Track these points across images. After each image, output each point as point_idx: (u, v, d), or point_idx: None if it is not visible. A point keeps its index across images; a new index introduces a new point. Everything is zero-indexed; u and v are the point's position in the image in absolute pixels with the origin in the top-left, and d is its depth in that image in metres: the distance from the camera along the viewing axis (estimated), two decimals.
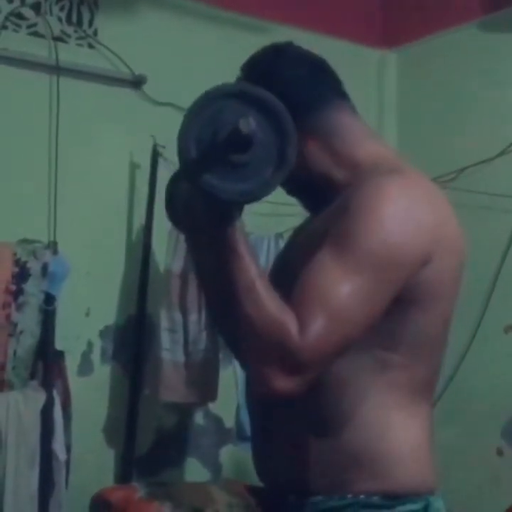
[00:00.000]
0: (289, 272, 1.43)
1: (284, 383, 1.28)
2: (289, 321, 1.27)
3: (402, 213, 1.34)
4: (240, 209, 1.37)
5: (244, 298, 1.30)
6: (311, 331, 1.27)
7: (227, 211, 1.33)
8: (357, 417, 1.40)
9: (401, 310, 1.37)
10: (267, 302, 1.30)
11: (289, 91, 1.48)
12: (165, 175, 3.24)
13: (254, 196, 1.30)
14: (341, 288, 1.30)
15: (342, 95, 1.56)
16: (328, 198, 1.47)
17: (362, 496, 1.38)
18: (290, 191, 1.59)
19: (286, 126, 1.29)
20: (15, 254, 2.85)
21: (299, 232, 1.65)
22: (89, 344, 3.23)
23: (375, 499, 1.38)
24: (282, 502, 1.46)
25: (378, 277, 1.32)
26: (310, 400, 1.38)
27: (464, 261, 1.47)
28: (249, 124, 1.25)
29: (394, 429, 1.42)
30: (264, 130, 1.28)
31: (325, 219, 1.44)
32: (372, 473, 1.40)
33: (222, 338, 1.42)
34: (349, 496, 1.39)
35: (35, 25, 3.12)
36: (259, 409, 1.53)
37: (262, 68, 1.54)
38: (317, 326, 1.27)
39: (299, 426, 1.42)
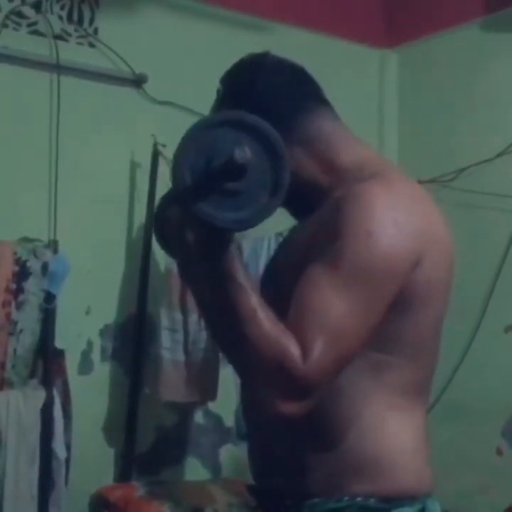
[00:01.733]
0: (277, 281, 1.45)
1: (289, 407, 1.28)
2: (291, 346, 1.27)
3: (388, 221, 1.33)
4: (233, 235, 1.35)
5: (246, 326, 1.29)
6: (313, 355, 1.27)
7: (222, 240, 1.32)
8: (353, 420, 1.40)
9: (394, 312, 1.36)
10: (269, 329, 1.29)
11: (270, 101, 1.49)
12: (165, 173, 3.25)
13: (250, 224, 1.29)
14: (337, 306, 1.29)
15: (323, 101, 1.56)
16: (315, 205, 1.47)
17: (359, 499, 1.38)
18: None
19: (280, 152, 1.29)
20: (15, 253, 2.85)
21: (288, 239, 1.65)
22: (90, 343, 3.23)
23: (372, 502, 1.38)
24: (279, 504, 1.46)
25: (373, 289, 1.32)
26: None
27: (454, 260, 1.46)
28: (245, 153, 1.25)
29: (390, 431, 1.42)
30: (258, 157, 1.28)
31: (312, 229, 1.43)
32: (369, 476, 1.39)
33: (226, 359, 1.41)
34: (346, 498, 1.38)
35: (35, 23, 3.12)
36: (254, 413, 1.52)
37: (241, 80, 1.55)
38: (318, 349, 1.27)
39: (296, 429, 1.41)
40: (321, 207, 1.44)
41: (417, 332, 1.42)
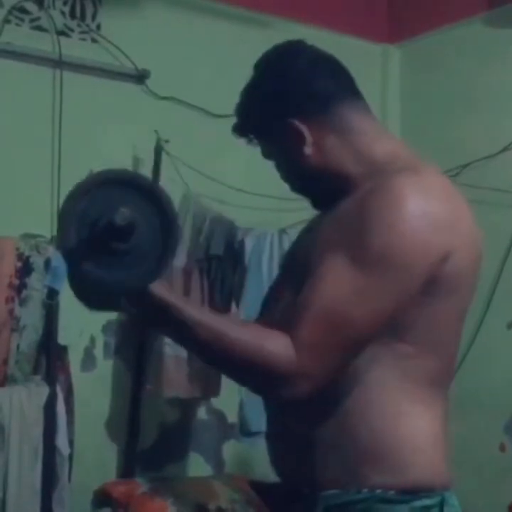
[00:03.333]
0: (298, 272, 1.44)
1: (290, 392, 1.33)
2: (272, 344, 1.32)
3: (417, 213, 1.35)
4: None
5: (220, 348, 1.36)
6: (303, 340, 1.31)
7: (155, 306, 1.35)
8: (372, 410, 1.40)
9: (418, 303, 1.37)
10: (242, 340, 1.34)
11: (308, 87, 1.50)
12: (168, 169, 3.25)
13: (137, 286, 1.29)
14: (346, 293, 1.33)
15: (357, 94, 1.56)
16: (341, 195, 1.47)
17: (378, 491, 1.38)
18: (299, 187, 1.59)
19: (170, 213, 1.30)
20: (18, 248, 2.85)
21: (309, 229, 1.64)
22: (92, 339, 3.23)
23: (392, 494, 1.38)
24: (296, 495, 1.45)
25: (391, 279, 1.33)
26: (325, 392, 1.38)
27: (481, 254, 1.47)
28: (125, 216, 1.24)
29: (412, 422, 1.42)
30: (148, 217, 1.28)
31: (338, 217, 1.44)
32: (388, 467, 1.39)
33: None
34: (365, 490, 1.38)
35: (38, 19, 3.12)
36: (273, 403, 1.53)
37: (277, 65, 1.54)
38: (310, 337, 1.32)
39: (314, 419, 1.42)
40: (348, 197, 1.44)
41: (442, 324, 1.43)
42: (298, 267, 1.49)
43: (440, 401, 1.47)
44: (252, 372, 1.36)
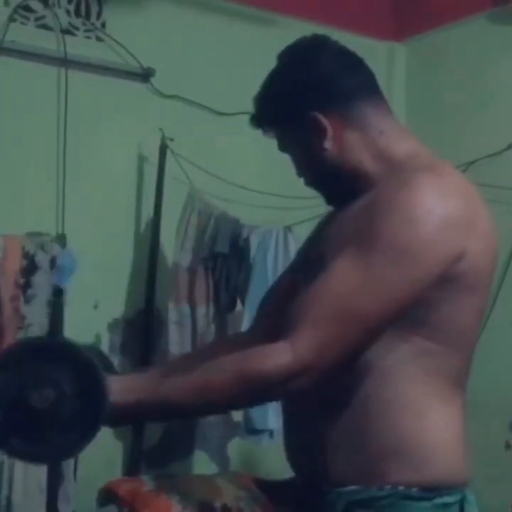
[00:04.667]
0: (312, 268, 1.44)
1: (295, 387, 1.33)
2: (254, 362, 1.33)
3: (432, 210, 1.35)
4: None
5: (208, 401, 1.36)
6: (302, 332, 1.32)
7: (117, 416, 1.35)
8: (396, 406, 1.41)
9: (438, 301, 1.38)
10: (225, 380, 1.34)
11: (332, 81, 1.50)
12: (173, 167, 3.25)
13: (62, 457, 1.31)
14: (350, 281, 1.33)
15: (378, 92, 1.56)
16: (358, 191, 1.47)
17: (401, 488, 1.38)
18: (315, 182, 1.58)
19: (99, 383, 1.28)
20: (23, 247, 2.85)
21: (322, 227, 1.64)
22: (98, 337, 3.23)
23: (414, 491, 1.38)
24: (314, 492, 1.45)
25: (401, 272, 1.33)
26: (347, 388, 1.40)
27: (498, 253, 1.49)
28: (46, 399, 1.24)
29: (434, 419, 1.42)
30: (69, 384, 1.27)
31: (354, 214, 1.44)
32: (410, 464, 1.40)
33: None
34: (388, 487, 1.38)
35: (43, 17, 3.12)
36: (291, 399, 1.52)
37: (302, 57, 1.53)
38: (308, 333, 1.32)
39: (333, 414, 1.42)
40: (364, 194, 1.45)
41: (462, 321, 1.43)
42: (310, 265, 1.49)
43: (459, 398, 1.48)
44: (252, 396, 1.37)
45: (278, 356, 1.31)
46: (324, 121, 1.48)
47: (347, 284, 1.33)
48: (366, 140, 1.49)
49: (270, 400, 1.37)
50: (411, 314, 1.37)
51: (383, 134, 1.50)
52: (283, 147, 1.58)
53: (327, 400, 1.38)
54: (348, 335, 1.34)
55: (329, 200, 1.60)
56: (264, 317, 1.66)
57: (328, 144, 1.48)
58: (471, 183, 1.48)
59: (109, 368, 1.47)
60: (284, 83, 1.52)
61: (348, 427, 1.42)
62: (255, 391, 1.35)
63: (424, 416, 1.42)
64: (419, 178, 1.38)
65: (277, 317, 1.49)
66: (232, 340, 1.71)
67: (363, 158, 1.49)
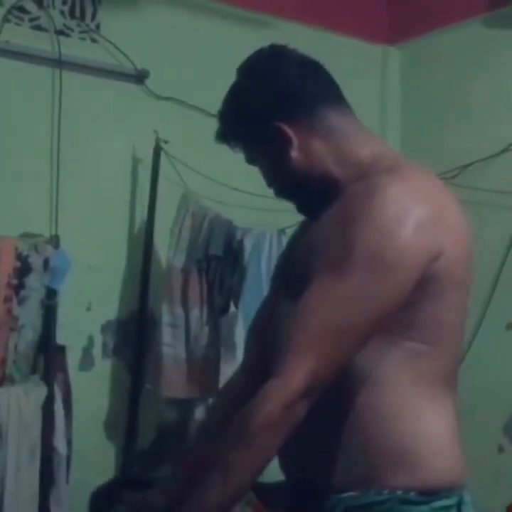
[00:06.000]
0: (293, 286, 1.45)
1: (301, 409, 1.33)
2: (253, 417, 1.33)
3: (401, 214, 1.35)
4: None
5: (230, 476, 1.36)
6: (291, 369, 1.32)
7: None
8: (390, 412, 1.41)
9: (421, 301, 1.38)
10: (237, 451, 1.34)
11: (294, 91, 1.50)
12: (167, 169, 3.25)
13: None
14: (336, 302, 1.34)
15: (341, 97, 1.57)
16: (327, 198, 1.48)
17: (399, 492, 1.38)
18: (285, 192, 1.59)
19: None
20: (16, 248, 2.85)
21: (297, 239, 1.64)
22: (91, 339, 3.22)
23: (412, 495, 1.38)
24: (312, 498, 1.45)
25: (381, 280, 1.34)
26: (343, 397, 1.40)
27: (472, 248, 1.48)
28: None
29: (427, 421, 1.43)
30: None
31: (326, 228, 1.45)
32: (407, 468, 1.40)
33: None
34: (385, 491, 1.38)
35: (37, 18, 3.12)
36: None
37: (263, 68, 1.54)
38: (296, 359, 1.32)
39: (330, 421, 1.43)
40: (334, 203, 1.45)
41: (447, 319, 1.44)
42: (290, 279, 1.51)
43: (450, 398, 1.49)
44: (272, 445, 1.36)
45: (275, 399, 1.32)
46: (288, 131, 1.49)
47: (329, 302, 1.34)
48: (332, 146, 1.50)
49: (290, 430, 1.36)
50: (398, 318, 1.38)
51: (347, 138, 1.51)
52: (250, 160, 1.60)
53: (323, 409, 1.38)
54: (339, 350, 1.35)
55: (300, 209, 1.61)
56: (255, 346, 1.68)
57: (294, 154, 1.49)
58: (437, 179, 1.49)
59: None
60: (246, 96, 1.53)
61: (345, 434, 1.42)
62: (270, 441, 1.35)
63: (419, 420, 1.42)
64: (384, 183, 1.38)
65: (268, 344, 1.52)
66: (232, 388, 1.70)
67: (330, 165, 1.50)
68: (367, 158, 1.48)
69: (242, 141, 1.57)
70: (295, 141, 1.49)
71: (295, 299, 1.39)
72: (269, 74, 1.51)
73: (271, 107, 1.50)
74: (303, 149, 1.49)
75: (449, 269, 1.39)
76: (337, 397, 1.39)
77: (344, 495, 1.40)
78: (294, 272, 1.50)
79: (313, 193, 1.53)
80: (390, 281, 1.34)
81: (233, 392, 1.67)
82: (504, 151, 3.41)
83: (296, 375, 1.31)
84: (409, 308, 1.37)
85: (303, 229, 1.63)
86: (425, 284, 1.37)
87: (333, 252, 1.36)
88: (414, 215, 1.35)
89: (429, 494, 1.39)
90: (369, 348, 1.38)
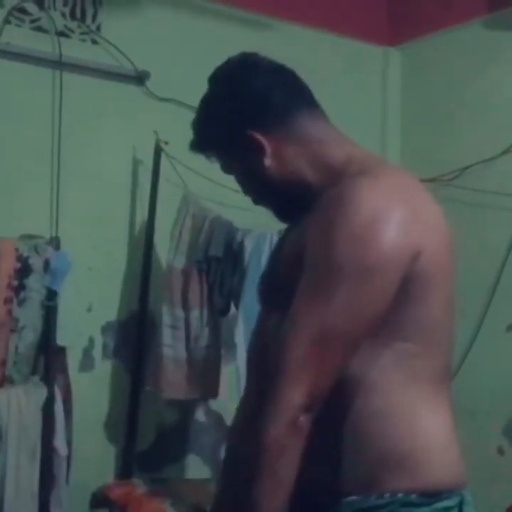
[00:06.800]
0: (279, 291, 1.47)
1: (306, 422, 1.34)
2: (265, 447, 1.33)
3: (375, 218, 1.34)
4: None
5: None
6: (288, 392, 1.32)
7: None
8: (386, 416, 1.41)
9: (406, 301, 1.38)
10: (258, 473, 1.35)
11: (265, 100, 1.51)
12: (167, 170, 3.24)
13: None
14: (318, 315, 1.33)
15: (313, 102, 1.57)
16: (304, 204, 1.48)
17: (400, 495, 1.38)
18: (262, 200, 1.61)
19: None
20: (17, 249, 2.84)
21: (283, 242, 1.65)
22: (91, 340, 3.22)
23: (414, 497, 1.38)
24: (314, 504, 1.45)
25: (362, 289, 1.34)
26: (340, 404, 1.40)
27: (451, 242, 1.47)
28: None
29: (424, 422, 1.42)
30: None
31: (304, 234, 1.44)
32: (408, 470, 1.40)
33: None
34: (387, 495, 1.38)
35: (38, 20, 3.12)
36: None
37: (233, 77, 1.55)
38: (290, 381, 1.33)
39: (328, 428, 1.42)
40: (311, 209, 1.45)
41: (433, 316, 1.43)
42: (276, 293, 1.52)
43: (445, 396, 1.48)
44: (285, 466, 1.35)
45: (278, 422, 1.33)
46: (261, 139, 1.49)
47: (318, 317, 1.33)
48: (306, 152, 1.50)
49: (302, 445, 1.35)
50: (384, 321, 1.37)
51: (320, 143, 1.51)
52: (226, 169, 1.61)
53: (320, 417, 1.38)
54: (333, 361, 1.35)
55: (279, 216, 1.62)
56: (256, 376, 1.66)
57: (267, 162, 1.50)
58: (411, 177, 1.48)
59: None
60: (217, 106, 1.54)
61: (343, 440, 1.42)
62: (287, 463, 1.35)
63: (415, 421, 1.42)
64: (355, 186, 1.37)
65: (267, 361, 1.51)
66: (243, 411, 1.71)
67: (305, 171, 1.50)
68: (340, 162, 1.48)
69: (216, 151, 1.59)
70: (268, 148, 1.50)
71: (284, 311, 1.39)
72: (239, 83, 1.53)
73: (242, 116, 1.51)
74: (276, 156, 1.50)
75: (430, 267, 1.39)
76: (332, 405, 1.38)
77: (346, 500, 1.40)
78: (279, 285, 1.50)
79: (289, 199, 1.53)
80: (376, 285, 1.34)
81: (243, 423, 1.67)
82: (504, 152, 3.41)
83: (294, 394, 1.32)
84: (394, 309, 1.37)
85: (284, 238, 1.63)
86: (407, 284, 1.37)
87: (315, 265, 1.36)
88: (388, 215, 1.35)
89: (431, 496, 1.39)
90: (359, 353, 1.38)
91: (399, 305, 1.37)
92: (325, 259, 1.34)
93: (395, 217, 1.35)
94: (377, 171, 1.42)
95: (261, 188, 1.56)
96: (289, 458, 1.34)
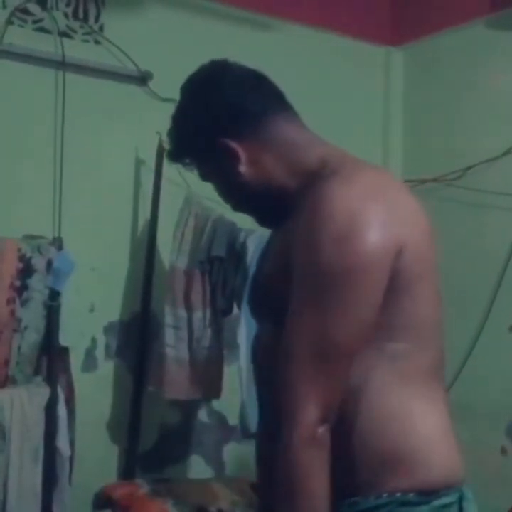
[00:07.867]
0: (261, 299, 1.51)
1: (321, 435, 1.35)
2: (292, 463, 1.33)
3: (352, 220, 1.33)
4: None
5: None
6: (300, 414, 1.33)
7: None
8: (379, 414, 1.41)
9: (393, 300, 1.38)
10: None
11: (235, 107, 1.51)
12: (170, 171, 3.24)
13: None
14: (313, 328, 1.33)
15: (285, 105, 1.57)
16: (283, 209, 1.48)
17: (398, 494, 1.39)
18: (241, 207, 1.61)
19: None
20: (20, 249, 2.84)
21: (268, 248, 1.64)
22: (94, 340, 3.23)
23: (411, 496, 1.39)
24: None
25: (351, 295, 1.33)
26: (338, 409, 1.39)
27: (432, 236, 1.46)
28: None
29: (420, 420, 1.43)
30: None
31: (286, 237, 1.44)
32: (405, 470, 1.40)
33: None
34: (385, 495, 1.39)
35: (41, 20, 3.12)
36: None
37: (204, 86, 1.56)
38: (301, 402, 1.33)
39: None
40: (290, 213, 1.45)
41: (420, 312, 1.43)
42: (265, 303, 1.52)
43: (439, 393, 1.48)
44: (314, 482, 1.35)
45: (299, 444, 1.33)
46: (234, 145, 1.49)
47: (315, 334, 1.33)
48: (280, 156, 1.50)
49: (325, 456, 1.36)
50: (376, 323, 1.37)
51: (294, 146, 1.51)
52: (204, 177, 1.61)
53: None
54: (338, 371, 1.35)
55: (260, 222, 1.62)
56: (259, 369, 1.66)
57: (242, 168, 1.50)
58: (386, 173, 1.48)
59: None
60: (189, 115, 1.55)
61: (340, 443, 1.41)
62: (316, 482, 1.35)
63: (410, 420, 1.42)
64: (328, 188, 1.37)
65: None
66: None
67: (280, 176, 1.50)
68: (314, 164, 1.48)
69: (192, 159, 1.59)
70: (242, 155, 1.50)
71: (273, 322, 1.40)
72: (211, 91, 1.53)
73: (215, 124, 1.51)
74: (251, 163, 1.50)
75: (414, 262, 1.39)
76: None
77: (344, 501, 1.40)
78: (265, 300, 1.51)
79: (268, 205, 1.54)
80: (364, 287, 1.34)
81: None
82: (507, 152, 3.41)
83: (308, 414, 1.32)
84: (383, 310, 1.37)
85: (268, 246, 1.63)
86: (393, 281, 1.37)
87: (303, 281, 1.35)
88: (364, 215, 1.34)
89: (429, 494, 1.39)
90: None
91: (388, 304, 1.37)
92: (310, 273, 1.34)
93: (371, 216, 1.34)
94: (351, 171, 1.42)
95: (238, 194, 1.56)
96: (317, 471, 1.35)
